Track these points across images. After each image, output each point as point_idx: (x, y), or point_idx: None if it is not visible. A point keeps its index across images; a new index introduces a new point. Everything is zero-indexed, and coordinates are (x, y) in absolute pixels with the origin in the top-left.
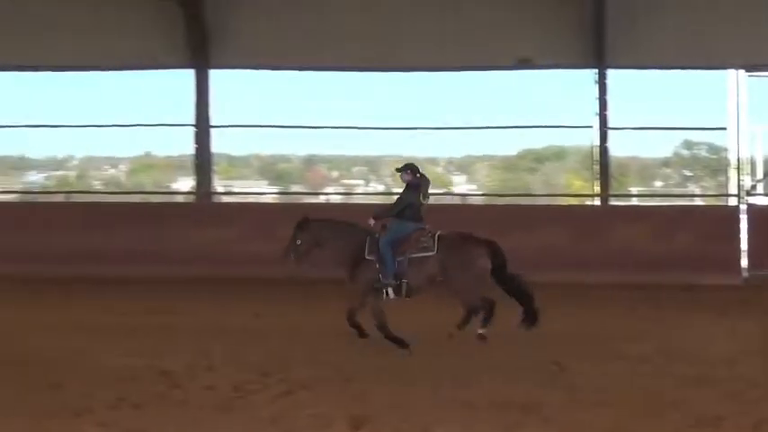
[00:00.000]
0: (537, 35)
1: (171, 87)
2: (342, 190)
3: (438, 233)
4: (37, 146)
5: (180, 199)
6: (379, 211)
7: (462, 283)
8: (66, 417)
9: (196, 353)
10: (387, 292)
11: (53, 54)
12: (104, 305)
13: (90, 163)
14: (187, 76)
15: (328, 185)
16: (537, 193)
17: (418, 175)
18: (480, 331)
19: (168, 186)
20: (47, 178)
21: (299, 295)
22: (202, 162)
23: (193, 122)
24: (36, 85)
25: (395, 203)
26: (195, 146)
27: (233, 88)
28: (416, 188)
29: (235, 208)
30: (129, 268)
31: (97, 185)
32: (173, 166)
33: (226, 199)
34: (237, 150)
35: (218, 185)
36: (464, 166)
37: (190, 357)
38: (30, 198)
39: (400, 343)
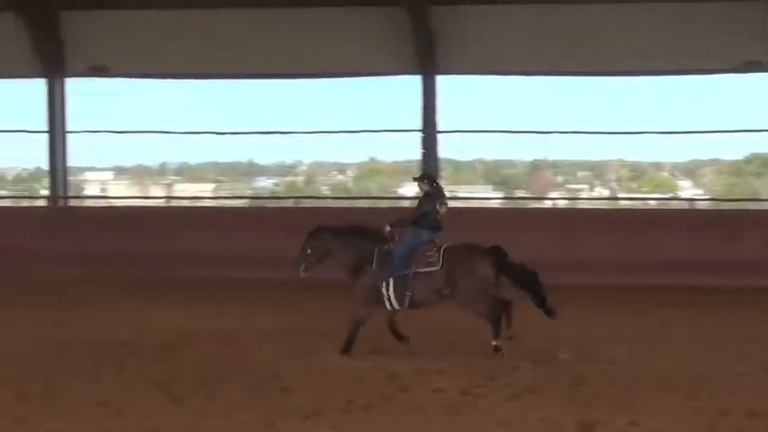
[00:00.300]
0: (764, 37)
1: (398, 93)
2: (566, 195)
3: (444, 247)
4: (266, 152)
5: (406, 204)
6: (396, 221)
7: (466, 293)
8: (298, 419)
9: (424, 356)
10: (390, 303)
11: (283, 61)
12: (332, 308)
13: (318, 169)
14: (414, 82)
15: (553, 190)
16: (765, 197)
17: (435, 184)
18: (494, 343)
19: (395, 192)
20: (276, 184)
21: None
22: (429, 167)
23: (420, 128)
24: (267, 92)
25: (412, 212)
26: (422, 151)
27: (458, 93)
28: (432, 197)
29: (459, 213)
30: None
31: (325, 191)
32: (399, 171)
33: (451, 204)
34: (462, 155)
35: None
36: (690, 170)
37: (418, 360)
38: (259, 203)
39: (347, 348)
